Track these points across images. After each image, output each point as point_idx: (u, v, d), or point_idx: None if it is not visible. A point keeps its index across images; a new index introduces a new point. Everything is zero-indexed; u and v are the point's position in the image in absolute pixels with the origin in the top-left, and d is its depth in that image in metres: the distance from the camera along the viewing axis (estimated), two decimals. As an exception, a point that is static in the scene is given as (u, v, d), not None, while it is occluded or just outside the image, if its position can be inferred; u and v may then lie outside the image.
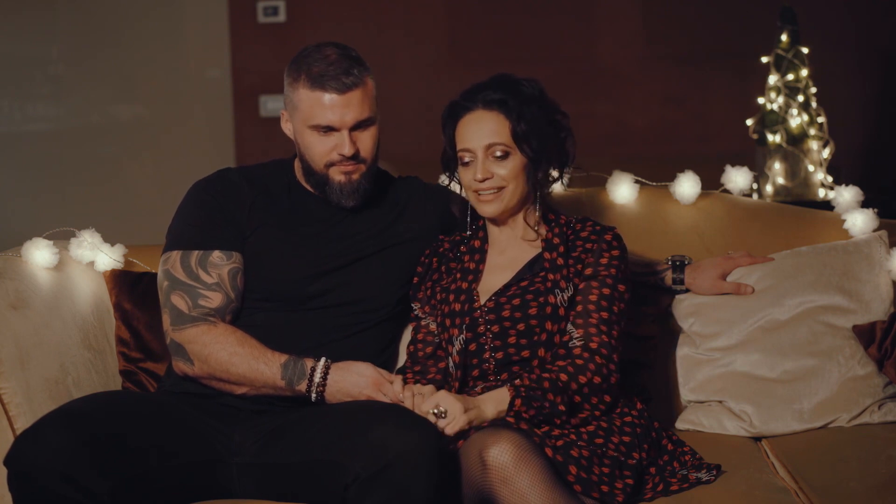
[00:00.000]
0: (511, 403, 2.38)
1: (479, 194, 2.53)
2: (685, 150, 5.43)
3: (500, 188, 2.52)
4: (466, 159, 2.53)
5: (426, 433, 2.25)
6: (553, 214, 2.61)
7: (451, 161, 2.59)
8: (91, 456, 2.21)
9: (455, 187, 2.70)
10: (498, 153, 2.51)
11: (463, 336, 2.53)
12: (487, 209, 2.54)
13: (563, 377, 2.41)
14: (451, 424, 2.34)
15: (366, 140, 2.58)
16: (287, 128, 2.65)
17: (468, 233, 2.65)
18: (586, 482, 2.30)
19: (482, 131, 2.51)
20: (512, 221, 2.59)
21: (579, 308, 2.50)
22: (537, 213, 2.59)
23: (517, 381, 2.41)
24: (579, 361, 2.44)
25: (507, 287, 2.55)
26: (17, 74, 5.54)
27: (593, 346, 2.46)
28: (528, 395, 2.38)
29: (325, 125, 2.55)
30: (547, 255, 2.55)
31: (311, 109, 2.55)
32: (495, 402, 2.40)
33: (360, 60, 2.58)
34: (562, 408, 2.39)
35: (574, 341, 2.48)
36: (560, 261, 2.54)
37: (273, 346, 2.50)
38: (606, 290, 2.50)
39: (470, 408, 2.37)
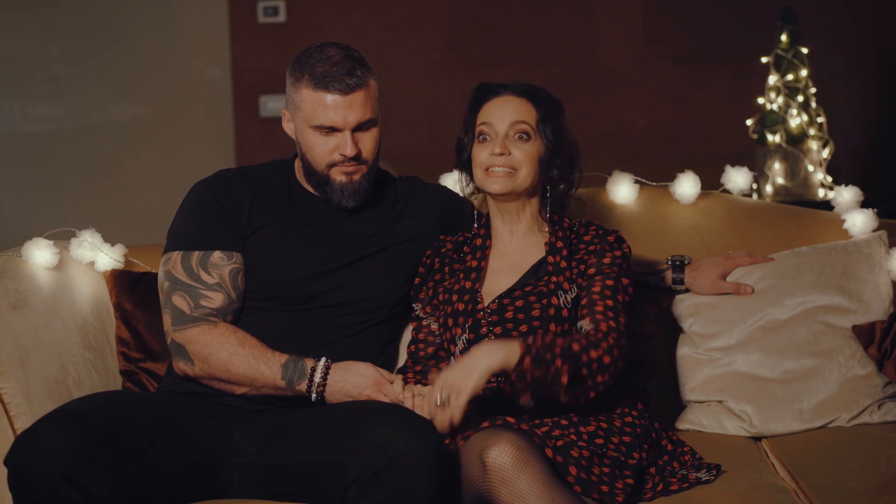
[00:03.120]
0: (520, 360, 2.30)
1: (490, 171, 2.53)
2: (685, 150, 5.43)
3: (513, 170, 2.52)
4: (486, 135, 2.54)
5: (426, 433, 2.25)
6: (557, 216, 2.61)
7: (465, 148, 2.60)
8: (91, 456, 2.21)
9: (463, 186, 2.68)
10: (520, 133, 2.52)
11: (466, 336, 2.53)
12: (495, 185, 2.53)
13: (576, 347, 2.36)
14: (454, 411, 2.30)
15: (367, 141, 2.58)
16: (288, 127, 2.66)
17: (475, 227, 2.64)
18: (586, 483, 2.30)
19: (509, 109, 2.54)
20: (517, 213, 2.59)
21: (584, 301, 2.50)
22: (546, 211, 2.60)
23: (529, 340, 2.34)
24: (593, 338, 2.41)
25: (510, 290, 2.55)
26: (17, 74, 5.54)
27: (602, 328, 2.44)
28: (538, 354, 2.31)
29: (327, 125, 2.55)
30: (550, 259, 2.55)
31: (314, 110, 2.55)
32: (505, 351, 2.31)
33: (362, 61, 2.58)
34: (564, 379, 2.32)
35: (585, 328, 2.46)
36: (563, 263, 2.54)
37: (274, 345, 2.50)
38: (610, 282, 2.50)
39: (462, 379, 2.29)
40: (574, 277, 2.53)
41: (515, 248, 2.60)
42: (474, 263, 2.60)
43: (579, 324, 2.49)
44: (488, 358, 2.31)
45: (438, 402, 2.30)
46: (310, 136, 2.58)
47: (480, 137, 2.55)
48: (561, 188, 2.59)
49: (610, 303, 2.47)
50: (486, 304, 2.55)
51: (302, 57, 2.58)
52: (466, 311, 2.55)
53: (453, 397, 2.29)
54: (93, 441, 2.22)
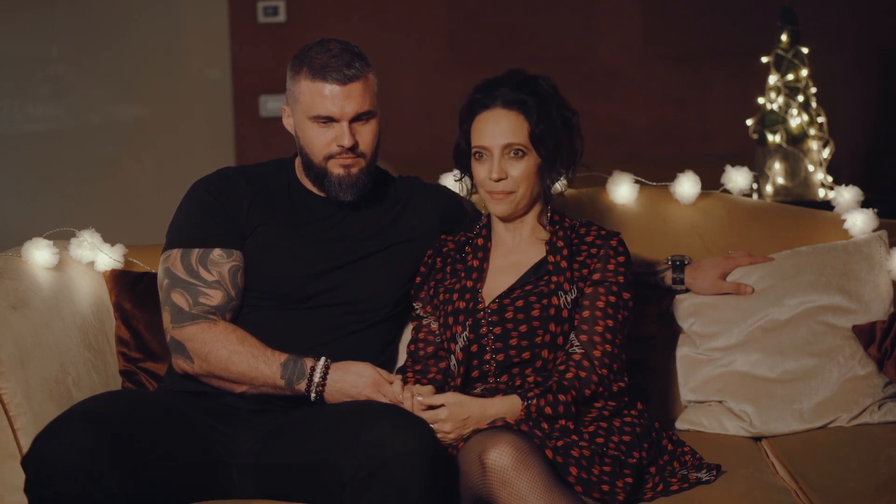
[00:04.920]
0: (518, 422, 2.39)
1: (490, 193, 2.53)
2: (685, 150, 5.42)
3: (513, 191, 2.52)
4: (481, 153, 2.53)
5: (423, 433, 2.25)
6: (558, 216, 2.61)
7: (463, 155, 2.60)
8: (112, 455, 2.21)
9: (466, 184, 2.68)
10: (515, 151, 2.51)
11: (466, 334, 2.53)
12: (499, 208, 2.55)
13: (569, 398, 2.42)
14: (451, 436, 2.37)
15: (365, 134, 2.58)
16: (288, 123, 2.66)
17: (476, 227, 2.65)
18: (587, 483, 2.30)
19: (500, 130, 2.51)
20: (520, 221, 2.60)
21: (586, 314, 2.50)
22: (547, 213, 2.60)
23: (533, 402, 2.41)
24: (583, 374, 2.45)
25: (510, 290, 2.55)
26: (17, 74, 5.53)
27: (596, 353, 2.46)
28: (538, 418, 2.40)
29: (325, 116, 2.55)
30: (551, 259, 2.55)
31: (312, 100, 2.55)
32: (505, 411, 2.41)
33: (361, 55, 2.58)
34: (570, 425, 2.41)
35: (575, 347, 2.48)
36: (563, 263, 2.54)
37: (273, 344, 2.50)
38: (612, 298, 2.50)
39: (468, 416, 2.39)
40: (574, 279, 2.53)
41: (517, 247, 2.60)
42: (475, 263, 2.60)
43: (571, 338, 2.49)
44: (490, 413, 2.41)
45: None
46: (308, 129, 2.58)
47: (476, 155, 2.55)
48: (560, 176, 2.59)
49: (610, 322, 2.49)
50: (486, 304, 2.54)
51: (301, 52, 2.59)
52: (467, 309, 2.55)
53: (440, 435, 2.37)
54: (113, 441, 2.22)
